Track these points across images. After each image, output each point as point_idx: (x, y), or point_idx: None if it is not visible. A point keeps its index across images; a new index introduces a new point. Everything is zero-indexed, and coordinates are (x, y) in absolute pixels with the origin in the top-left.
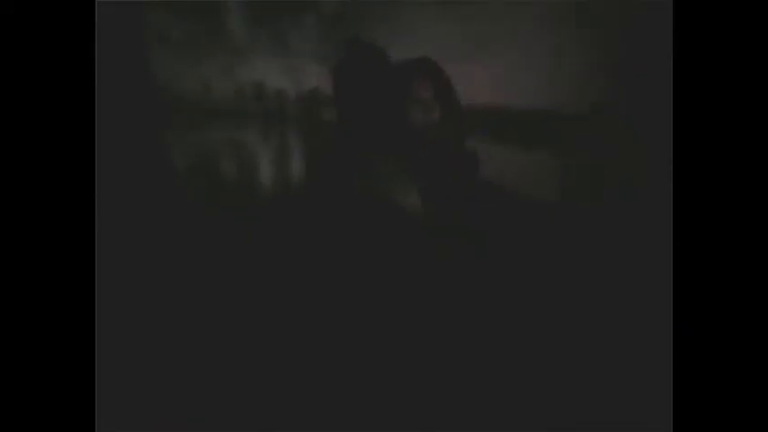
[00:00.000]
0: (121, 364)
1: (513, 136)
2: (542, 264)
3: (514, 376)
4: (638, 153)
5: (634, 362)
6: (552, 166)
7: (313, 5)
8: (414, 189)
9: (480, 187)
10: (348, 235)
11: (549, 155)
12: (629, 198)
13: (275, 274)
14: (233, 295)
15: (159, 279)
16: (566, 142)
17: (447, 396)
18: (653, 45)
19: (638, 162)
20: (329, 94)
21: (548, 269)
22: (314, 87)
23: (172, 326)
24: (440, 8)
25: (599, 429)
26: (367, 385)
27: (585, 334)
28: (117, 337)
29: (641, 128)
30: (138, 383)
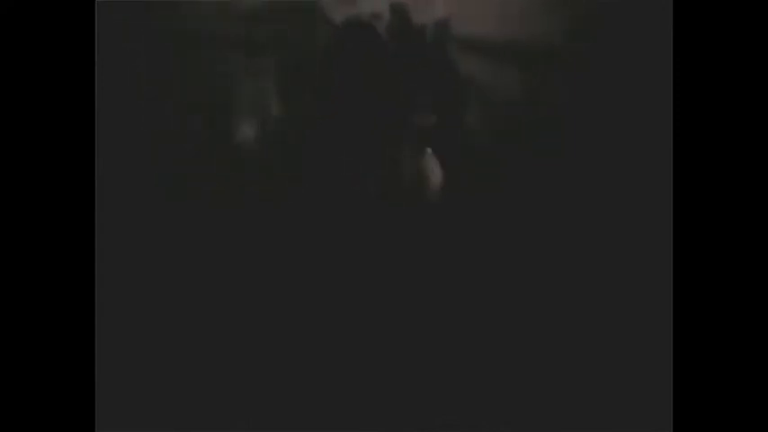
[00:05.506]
0: (121, 364)
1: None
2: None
3: (515, 376)
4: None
5: (634, 362)
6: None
7: None
8: None
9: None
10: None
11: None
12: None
13: (275, 272)
14: (231, 295)
15: (158, 279)
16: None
17: (446, 396)
18: (653, 45)
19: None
20: None
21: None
22: None
23: (170, 325)
24: None
25: (599, 429)
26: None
27: (585, 334)
28: (116, 337)
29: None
30: (136, 383)
